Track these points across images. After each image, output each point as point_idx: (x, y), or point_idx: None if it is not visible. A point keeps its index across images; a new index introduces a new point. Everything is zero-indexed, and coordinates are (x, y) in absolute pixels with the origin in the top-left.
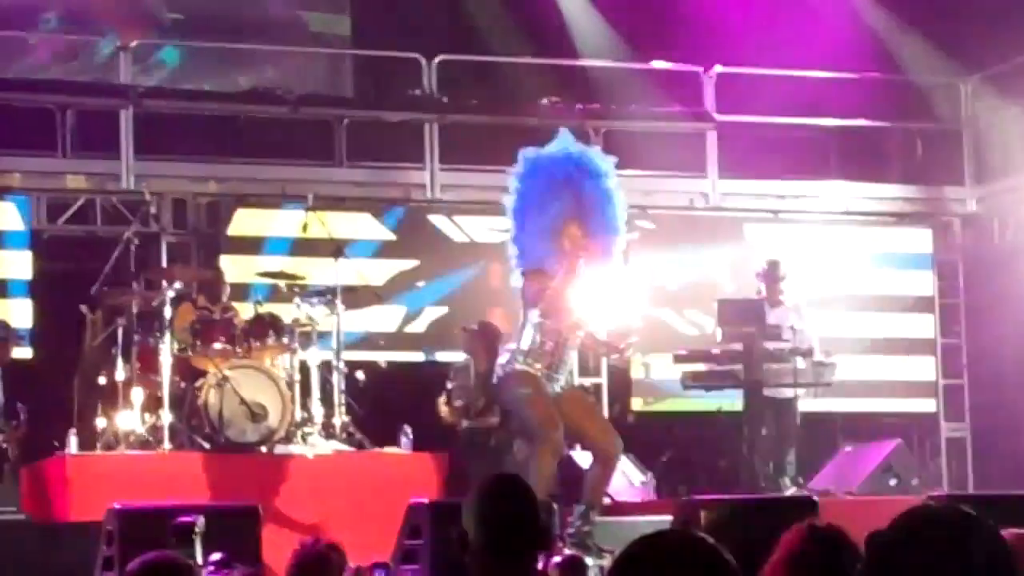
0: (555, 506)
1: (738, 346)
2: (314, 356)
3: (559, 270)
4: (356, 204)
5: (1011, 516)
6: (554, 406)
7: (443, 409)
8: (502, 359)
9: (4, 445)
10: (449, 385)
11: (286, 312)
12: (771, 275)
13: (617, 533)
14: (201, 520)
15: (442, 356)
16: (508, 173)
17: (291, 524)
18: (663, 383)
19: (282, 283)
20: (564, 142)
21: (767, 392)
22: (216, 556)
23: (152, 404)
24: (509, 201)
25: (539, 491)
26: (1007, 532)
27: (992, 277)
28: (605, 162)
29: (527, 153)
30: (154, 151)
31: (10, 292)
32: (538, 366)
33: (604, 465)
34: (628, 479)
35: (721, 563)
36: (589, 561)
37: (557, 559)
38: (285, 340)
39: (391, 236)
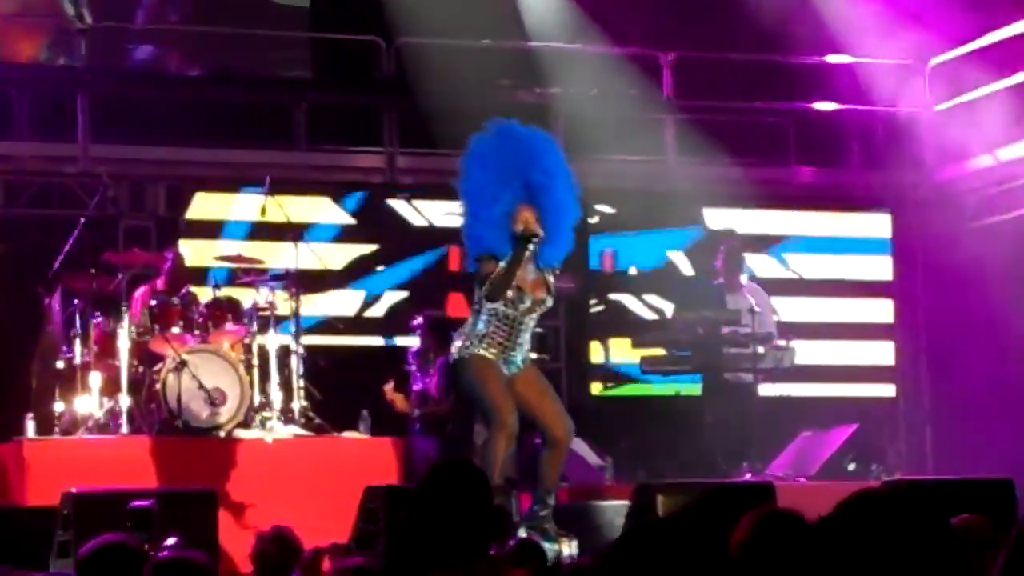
0: (513, 490)
1: (697, 331)
2: (273, 340)
3: (511, 255)
4: (315, 188)
5: (969, 501)
6: (509, 389)
7: (393, 396)
8: (457, 343)
9: None
10: (409, 368)
11: (245, 296)
12: (730, 258)
13: (576, 517)
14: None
15: (401, 341)
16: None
17: (249, 509)
18: (622, 367)
19: (240, 267)
20: (511, 125)
21: (726, 377)
22: (170, 541)
23: (110, 388)
24: (460, 186)
25: (496, 475)
26: (959, 517)
27: (951, 262)
28: (554, 144)
29: (475, 139)
30: (112, 134)
31: None
32: (493, 350)
33: (554, 448)
34: (586, 463)
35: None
36: (546, 545)
37: (512, 543)
38: (244, 324)
39: (350, 220)
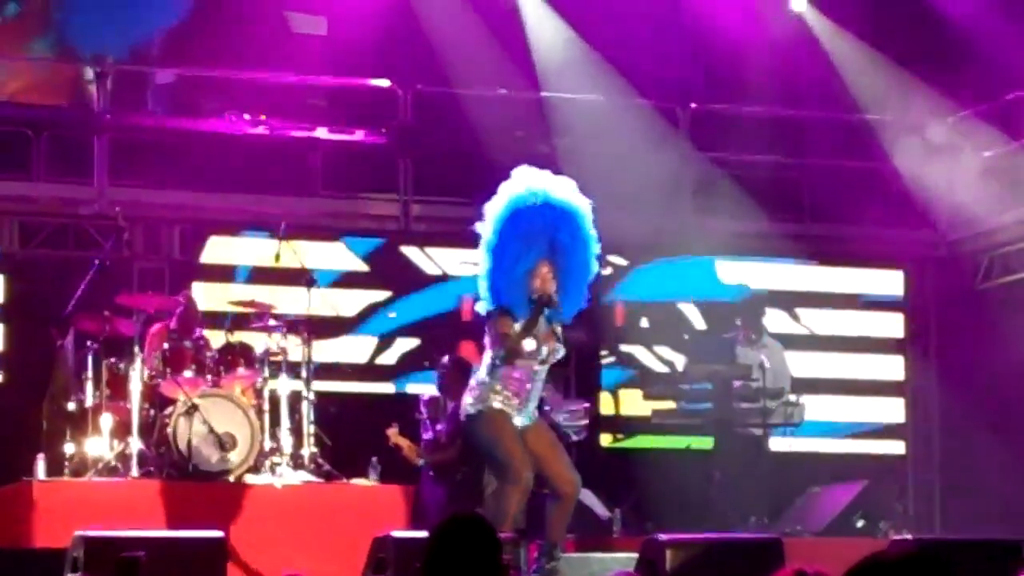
0: (522, 541)
1: (708, 384)
2: (284, 386)
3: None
4: (328, 234)
5: (978, 560)
6: (522, 443)
7: (397, 440)
8: (471, 395)
9: None
10: (420, 416)
11: (257, 341)
12: (752, 311)
13: (584, 569)
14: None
15: (413, 388)
16: (482, 206)
17: (258, 554)
18: (632, 419)
19: (253, 312)
20: (544, 184)
21: (736, 431)
22: None
23: (121, 431)
24: (485, 234)
25: (506, 528)
26: None
27: (964, 320)
28: (584, 208)
29: (508, 191)
30: (128, 177)
31: None
32: (507, 403)
33: (564, 502)
34: (594, 514)
35: None
36: None
37: None
38: (256, 369)
39: (363, 267)
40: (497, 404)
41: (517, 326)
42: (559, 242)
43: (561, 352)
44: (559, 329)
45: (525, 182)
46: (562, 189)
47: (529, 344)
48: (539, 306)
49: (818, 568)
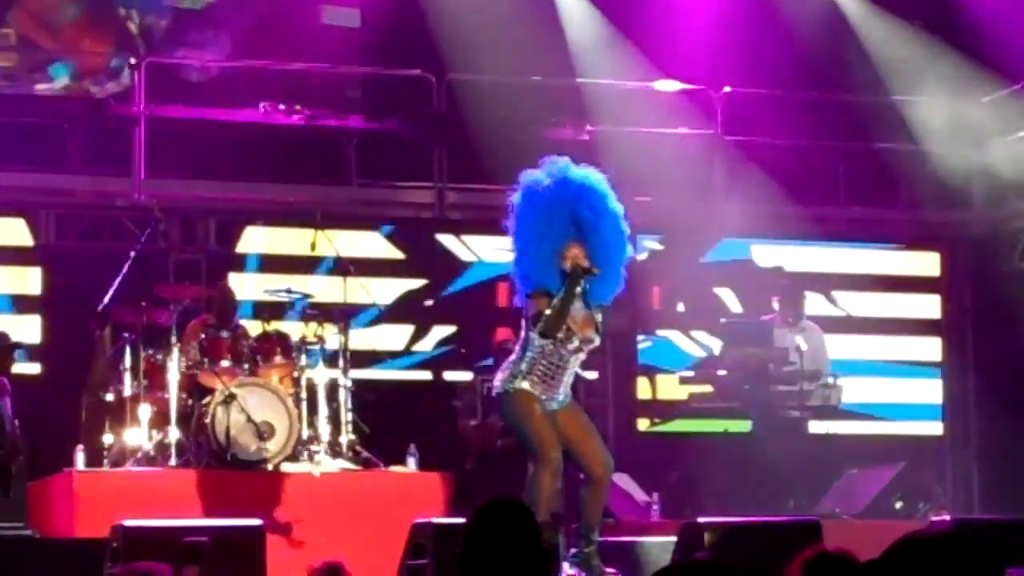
0: (560, 526)
1: (745, 368)
2: (321, 374)
3: (563, 291)
4: (364, 222)
5: (1015, 541)
6: (552, 425)
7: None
8: (501, 375)
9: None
10: (457, 404)
11: (294, 330)
12: (788, 294)
13: (621, 554)
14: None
15: (449, 375)
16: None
17: (297, 542)
18: (669, 403)
19: (290, 300)
20: (561, 165)
21: (774, 414)
22: None
23: (159, 421)
24: (510, 223)
25: (541, 511)
26: None
27: (1001, 301)
28: (604, 184)
29: (525, 177)
30: (164, 168)
31: (19, 308)
32: (537, 386)
33: (595, 485)
34: (633, 499)
35: None
36: None
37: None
38: (293, 358)
39: (399, 255)
40: (525, 385)
41: (555, 300)
42: (582, 217)
43: (596, 341)
44: (599, 317)
45: (544, 167)
46: (579, 168)
47: (560, 329)
48: (574, 276)
49: (841, 547)
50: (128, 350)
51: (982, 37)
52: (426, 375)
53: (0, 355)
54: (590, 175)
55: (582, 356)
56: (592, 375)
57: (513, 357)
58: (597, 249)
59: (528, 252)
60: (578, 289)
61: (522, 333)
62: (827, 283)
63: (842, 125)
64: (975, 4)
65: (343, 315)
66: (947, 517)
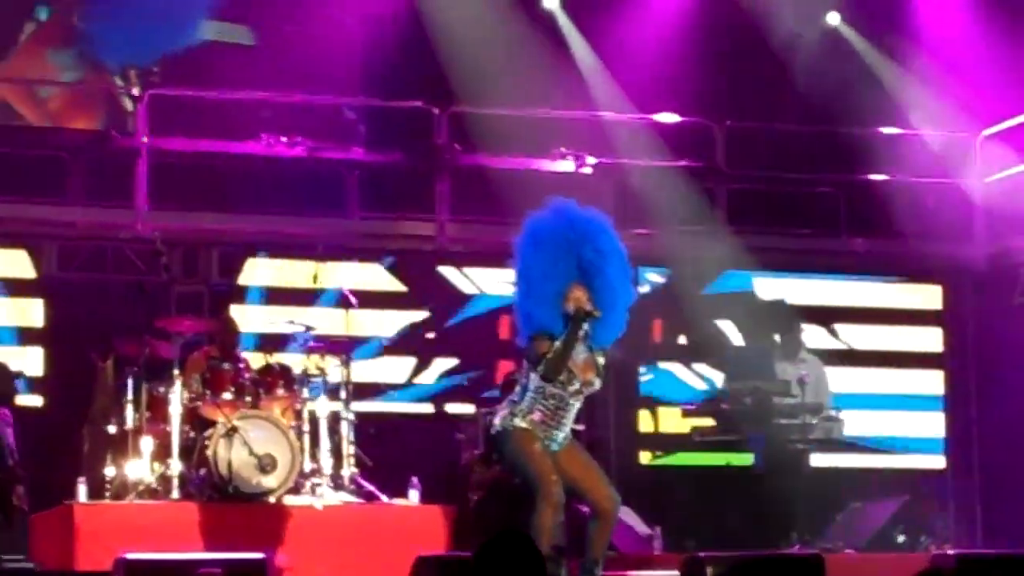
0: (562, 559)
1: (747, 400)
2: (323, 406)
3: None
4: (366, 254)
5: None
6: (552, 461)
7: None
8: (500, 414)
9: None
10: (460, 437)
11: (296, 362)
12: (787, 327)
13: None
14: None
15: (451, 408)
16: (517, 227)
17: (301, 575)
18: (671, 436)
19: (292, 333)
20: (566, 206)
21: (776, 447)
22: None
23: (161, 453)
24: (514, 264)
25: (543, 545)
26: None
27: (1003, 335)
28: (608, 225)
29: (530, 220)
30: (166, 200)
31: (21, 340)
32: (537, 426)
33: (605, 519)
34: (635, 532)
35: None
36: None
37: None
38: (295, 390)
39: (401, 287)
40: (523, 424)
41: (557, 343)
42: (586, 260)
43: (597, 385)
44: (600, 360)
45: (550, 209)
46: (584, 210)
47: (562, 372)
48: (577, 319)
49: None
50: (131, 382)
51: (983, 68)
52: (428, 408)
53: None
54: (595, 217)
55: (582, 398)
56: (579, 427)
57: (514, 396)
58: (600, 292)
59: (531, 294)
60: (580, 332)
61: (523, 373)
62: (829, 316)
63: (843, 158)
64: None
65: (345, 347)
66: (950, 551)
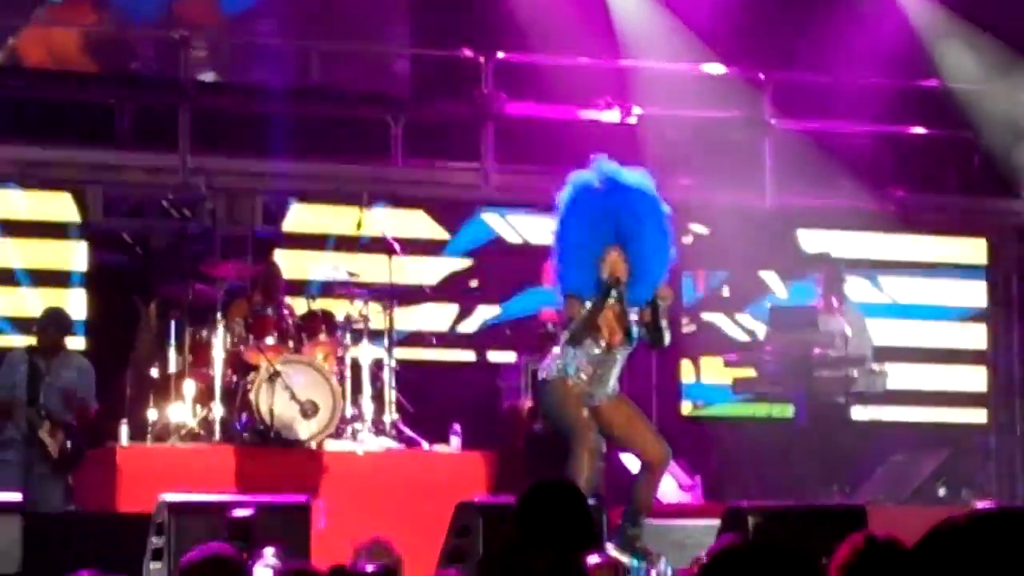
0: (602, 508)
1: (790, 353)
2: (365, 353)
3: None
4: (410, 202)
5: None
6: (587, 410)
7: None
8: (545, 362)
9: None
10: (502, 384)
11: (339, 308)
12: (830, 279)
13: (665, 537)
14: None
15: (493, 356)
16: (561, 176)
17: (340, 520)
18: (713, 388)
19: (335, 279)
20: (608, 169)
21: (818, 399)
22: (269, 551)
23: (203, 397)
24: (554, 227)
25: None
26: None
27: None
28: (650, 186)
29: (572, 182)
30: (211, 146)
31: (66, 283)
32: (578, 383)
33: (652, 471)
34: (676, 483)
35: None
36: (635, 563)
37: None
38: (337, 336)
39: (445, 235)
40: (563, 375)
41: (584, 309)
42: (625, 227)
43: (633, 341)
44: (633, 317)
45: (592, 169)
46: (629, 175)
47: (586, 339)
48: (606, 289)
49: (890, 534)
50: (174, 326)
51: None
52: (470, 355)
53: (58, 333)
54: (636, 180)
55: (625, 352)
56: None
57: (556, 350)
58: (637, 256)
59: (567, 256)
60: (610, 300)
61: (564, 326)
62: (873, 269)
63: (890, 110)
64: None
65: (388, 294)
66: (991, 504)
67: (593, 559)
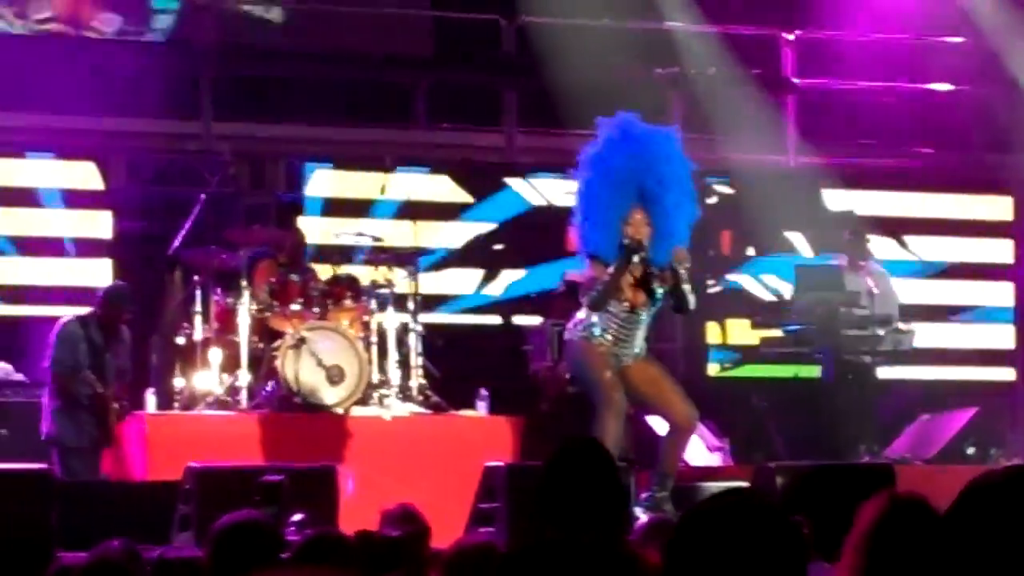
0: (630, 469)
1: (816, 312)
2: (391, 318)
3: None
4: (434, 166)
5: None
6: (614, 370)
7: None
8: (571, 323)
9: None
10: (528, 348)
11: (364, 274)
12: (855, 239)
13: (693, 499)
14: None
15: (519, 319)
16: (584, 138)
17: (367, 485)
18: (740, 348)
19: (360, 244)
20: (632, 127)
21: (845, 359)
22: (297, 517)
23: (230, 364)
24: (577, 186)
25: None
26: None
27: None
28: (674, 144)
29: (595, 142)
30: (234, 112)
31: (90, 251)
32: (604, 344)
33: (680, 433)
34: (704, 444)
35: (785, 525)
36: None
37: (643, 519)
38: (363, 302)
39: (469, 199)
40: (587, 336)
41: (605, 276)
42: (648, 189)
43: (657, 301)
44: (656, 280)
45: (617, 129)
46: (653, 136)
47: (605, 305)
48: (628, 253)
49: (915, 492)
50: (199, 293)
51: None
52: (496, 319)
53: (122, 309)
54: (660, 140)
55: (648, 315)
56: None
57: (583, 312)
58: (660, 217)
59: (590, 218)
60: (633, 260)
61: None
62: (898, 227)
63: (913, 68)
64: None
65: (412, 259)
66: (1020, 462)
67: (641, 521)
